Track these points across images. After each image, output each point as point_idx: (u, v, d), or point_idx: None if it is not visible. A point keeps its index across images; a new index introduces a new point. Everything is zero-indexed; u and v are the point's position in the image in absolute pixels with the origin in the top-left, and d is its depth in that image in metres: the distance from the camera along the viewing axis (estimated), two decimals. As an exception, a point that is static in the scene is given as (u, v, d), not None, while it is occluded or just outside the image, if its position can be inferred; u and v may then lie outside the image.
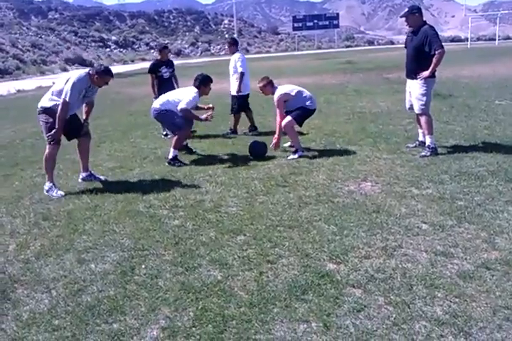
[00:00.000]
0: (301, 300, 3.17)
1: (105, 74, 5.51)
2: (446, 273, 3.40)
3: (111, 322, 3.02)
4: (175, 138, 6.75)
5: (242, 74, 8.48)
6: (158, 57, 9.06)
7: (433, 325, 2.83)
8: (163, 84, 8.77)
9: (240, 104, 8.78)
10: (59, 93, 5.44)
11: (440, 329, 2.79)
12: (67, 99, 5.33)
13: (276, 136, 6.95)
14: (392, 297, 3.12)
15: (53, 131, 5.41)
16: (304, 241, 4.04)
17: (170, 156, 6.73)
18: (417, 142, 6.91)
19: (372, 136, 7.91)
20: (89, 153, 6.08)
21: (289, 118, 6.76)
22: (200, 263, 3.75)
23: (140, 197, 5.36)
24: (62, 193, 5.60)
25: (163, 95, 7.05)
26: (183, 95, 6.69)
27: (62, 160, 6.89)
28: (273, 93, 6.87)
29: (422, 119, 6.59)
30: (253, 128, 9.00)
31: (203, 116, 6.77)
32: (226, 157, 7.14)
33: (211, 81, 6.88)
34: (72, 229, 4.55)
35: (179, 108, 6.53)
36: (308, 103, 6.83)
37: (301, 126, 7.03)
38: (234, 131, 8.91)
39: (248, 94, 8.87)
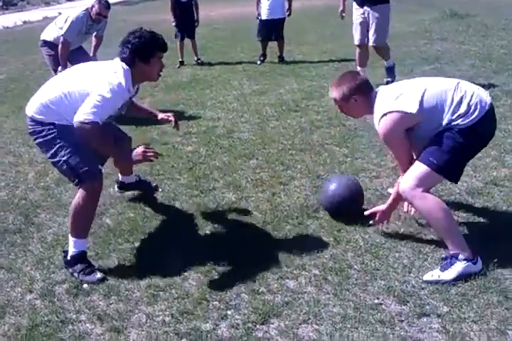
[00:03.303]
0: (312, 218, 3.29)
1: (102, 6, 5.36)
2: (455, 190, 3.47)
3: (132, 241, 3.17)
4: (72, 205, 2.91)
5: None
6: None
7: (440, 238, 2.93)
8: (181, 11, 8.31)
9: (259, 30, 8.17)
10: (60, 28, 5.52)
11: (447, 241, 2.90)
12: (65, 38, 5.43)
13: (385, 207, 3.00)
14: (400, 213, 3.22)
15: (59, 67, 5.51)
16: (315, 163, 4.11)
17: (69, 253, 2.90)
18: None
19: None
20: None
21: (418, 168, 2.66)
22: (214, 186, 3.85)
23: (153, 125, 5.41)
24: None
25: (51, 84, 3.02)
26: (92, 84, 2.74)
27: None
28: (371, 113, 2.81)
29: (381, 51, 6.14)
30: (280, 58, 8.22)
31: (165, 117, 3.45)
32: (237, 83, 7.07)
33: (161, 49, 2.90)
34: (89, 156, 4.65)
35: (75, 121, 2.62)
36: (470, 118, 2.59)
37: (457, 181, 2.82)
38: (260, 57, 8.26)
39: (271, 21, 7.98)
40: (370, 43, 6.06)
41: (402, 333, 2.26)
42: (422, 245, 2.90)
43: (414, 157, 2.78)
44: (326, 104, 5.63)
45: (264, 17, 8.05)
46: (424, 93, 2.63)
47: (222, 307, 2.51)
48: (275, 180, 3.88)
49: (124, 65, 2.80)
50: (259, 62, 8.14)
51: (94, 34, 5.84)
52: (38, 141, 2.89)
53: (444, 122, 2.60)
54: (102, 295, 2.67)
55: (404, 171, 2.72)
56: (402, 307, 2.43)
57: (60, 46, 5.40)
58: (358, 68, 6.12)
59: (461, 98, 2.60)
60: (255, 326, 2.37)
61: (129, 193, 3.81)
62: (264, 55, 8.20)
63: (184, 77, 7.73)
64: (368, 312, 2.40)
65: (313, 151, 4.36)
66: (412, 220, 3.15)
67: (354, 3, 6.06)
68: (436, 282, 2.56)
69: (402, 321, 2.34)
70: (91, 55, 5.96)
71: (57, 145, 2.80)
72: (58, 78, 3.04)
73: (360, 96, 2.79)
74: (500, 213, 3.16)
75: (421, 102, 2.60)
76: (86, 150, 2.76)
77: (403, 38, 9.11)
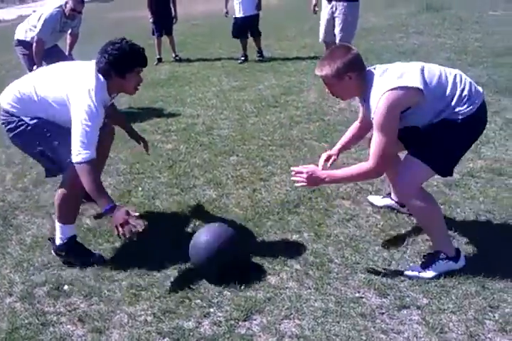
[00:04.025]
0: (293, 213, 3.31)
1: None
2: (433, 182, 3.51)
3: (112, 241, 3.15)
4: (57, 194, 2.90)
5: None
6: None
7: (418, 231, 2.97)
8: (159, 7, 8.24)
9: (234, 28, 8.06)
10: (34, 26, 5.41)
11: (425, 234, 2.93)
12: (39, 36, 5.31)
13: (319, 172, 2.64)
14: (379, 206, 3.25)
15: (34, 66, 5.40)
16: (295, 158, 4.13)
17: (57, 241, 2.93)
18: None
19: (363, 52, 7.76)
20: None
21: (413, 164, 2.53)
22: (195, 183, 3.85)
23: (131, 122, 5.34)
24: None
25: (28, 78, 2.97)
26: (67, 93, 2.69)
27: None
28: (364, 94, 2.55)
29: None
30: (259, 54, 8.10)
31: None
32: (216, 80, 7.05)
33: (140, 64, 2.76)
34: (67, 156, 4.60)
35: (74, 162, 2.60)
36: (467, 107, 2.45)
37: (451, 174, 2.69)
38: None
39: (244, 18, 7.87)
40: (337, 40, 5.91)
41: (383, 326, 2.29)
42: (401, 238, 2.93)
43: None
44: (305, 100, 5.65)
45: (238, 15, 7.92)
46: (423, 72, 2.44)
47: (204, 305, 2.51)
48: (256, 176, 3.88)
49: (99, 76, 2.71)
50: (240, 62, 8.03)
51: (69, 32, 5.75)
52: (10, 133, 2.86)
53: (446, 110, 2.44)
54: (82, 296, 2.65)
55: (377, 156, 2.41)
56: (382, 300, 2.45)
57: (34, 45, 5.31)
58: None
59: (463, 83, 2.48)
60: (238, 323, 2.38)
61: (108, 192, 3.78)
62: (245, 54, 8.08)
63: (162, 74, 7.69)
64: (349, 305, 2.42)
65: (293, 147, 4.37)
66: (391, 213, 3.18)
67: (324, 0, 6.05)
68: (416, 278, 2.56)
69: (383, 314, 2.36)
70: (66, 53, 5.88)
71: (34, 137, 2.80)
72: (34, 76, 2.95)
73: (354, 73, 2.46)
74: (476, 204, 3.20)
75: (423, 79, 2.40)
76: (65, 140, 2.67)
77: (380, 32, 9.18)
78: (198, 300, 2.55)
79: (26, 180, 4.17)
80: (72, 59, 5.90)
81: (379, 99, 2.37)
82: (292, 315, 2.39)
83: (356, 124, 2.99)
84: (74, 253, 2.92)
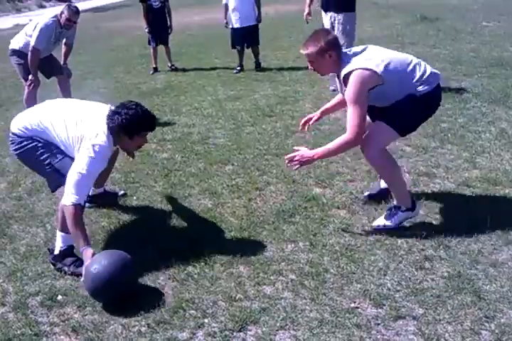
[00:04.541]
0: (288, 222, 3.30)
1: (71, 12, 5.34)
2: (428, 191, 3.52)
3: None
4: (60, 203, 2.88)
5: (225, 5, 8.09)
6: None
7: (414, 240, 2.97)
8: (154, 17, 8.26)
9: (233, 39, 8.10)
10: (29, 36, 5.41)
11: (421, 243, 2.94)
12: (35, 46, 5.31)
13: (311, 153, 2.98)
14: (375, 216, 3.25)
15: (30, 76, 5.43)
16: (290, 168, 4.11)
17: (57, 249, 2.99)
18: None
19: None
20: (70, 92, 5.99)
21: (381, 128, 3.01)
22: (190, 193, 3.84)
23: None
24: None
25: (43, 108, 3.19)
26: (79, 138, 2.88)
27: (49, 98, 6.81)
28: (339, 70, 2.98)
29: None
30: (257, 65, 8.14)
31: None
32: (211, 89, 7.06)
33: (149, 128, 2.99)
34: (62, 165, 4.59)
35: (65, 199, 2.77)
36: (426, 86, 2.95)
37: (404, 135, 3.18)
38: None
39: (242, 28, 7.89)
40: None
41: (378, 336, 2.27)
42: (396, 248, 2.92)
43: (368, 119, 3.03)
44: (300, 109, 5.66)
45: (236, 25, 7.93)
46: (391, 59, 2.92)
47: (199, 315, 2.50)
48: (251, 185, 3.88)
49: (109, 133, 2.88)
50: (235, 72, 8.04)
51: (63, 41, 5.76)
52: (16, 151, 3.07)
53: (408, 88, 2.92)
54: (76, 306, 2.63)
55: (353, 128, 2.84)
56: (378, 310, 2.44)
57: (29, 55, 5.31)
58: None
59: (423, 68, 2.98)
60: (232, 333, 2.36)
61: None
62: (241, 65, 8.09)
63: (158, 83, 7.70)
64: (345, 316, 2.41)
65: (289, 156, 4.37)
66: (386, 223, 3.18)
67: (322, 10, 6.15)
68: (384, 227, 3.07)
69: (379, 324, 2.35)
70: (62, 63, 5.89)
71: (39, 153, 2.99)
72: (51, 108, 3.12)
73: (334, 52, 2.91)
74: (472, 213, 3.20)
75: (388, 65, 2.86)
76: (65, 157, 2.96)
77: (376, 42, 9.09)
78: (193, 311, 2.53)
79: (21, 189, 4.15)
80: (67, 68, 5.91)
81: (350, 76, 2.85)
82: (287, 326, 2.38)
83: (340, 95, 3.33)
84: (71, 262, 2.93)
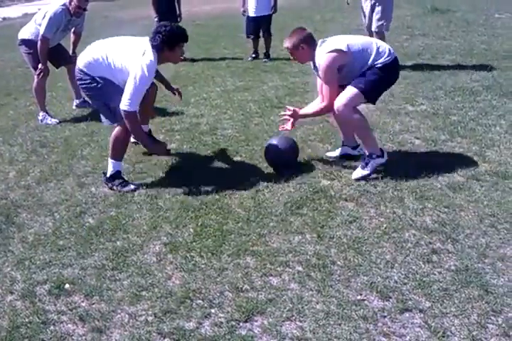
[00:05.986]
0: (296, 214, 3.29)
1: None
2: (437, 185, 3.50)
3: (114, 240, 3.15)
4: (112, 136, 3.82)
5: None
6: None
7: (422, 233, 2.96)
8: (163, 7, 8.24)
9: (247, 27, 8.12)
10: (39, 25, 5.40)
11: (429, 236, 2.93)
12: (44, 35, 5.30)
13: (301, 111, 3.96)
14: (383, 208, 3.24)
15: (39, 65, 5.44)
16: (299, 159, 4.11)
17: (108, 173, 3.83)
18: None
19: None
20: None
21: (350, 91, 3.59)
22: (197, 183, 3.83)
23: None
24: (57, 120, 5.62)
25: (97, 45, 3.87)
26: (129, 63, 3.60)
27: (55, 88, 6.82)
28: (313, 58, 3.71)
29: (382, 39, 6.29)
30: (266, 55, 8.12)
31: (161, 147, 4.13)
32: (220, 80, 7.04)
33: (185, 40, 3.75)
34: (70, 154, 4.60)
35: (122, 105, 3.54)
36: (384, 59, 3.59)
37: (374, 102, 3.81)
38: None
39: (258, 17, 7.92)
40: (373, 29, 6.75)
41: (384, 329, 2.27)
42: (404, 241, 2.91)
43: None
44: (309, 101, 5.57)
45: (251, 14, 7.96)
46: (352, 40, 3.63)
47: (205, 305, 2.50)
48: (259, 176, 3.87)
49: (154, 52, 3.58)
50: (250, 59, 8.09)
51: (72, 30, 5.75)
52: (83, 86, 3.85)
53: (369, 62, 3.57)
54: (83, 295, 2.65)
55: (329, 99, 3.62)
56: (384, 302, 2.44)
57: (39, 43, 5.30)
58: None
59: (380, 45, 3.64)
60: (239, 324, 2.37)
61: (111, 192, 3.78)
62: (256, 52, 8.15)
63: (166, 73, 7.66)
64: (351, 308, 2.41)
65: (297, 148, 4.35)
66: (393, 215, 3.17)
67: None
68: (362, 177, 3.64)
69: (385, 317, 2.35)
70: (70, 52, 5.88)
71: (101, 92, 3.74)
72: (105, 46, 3.78)
73: (306, 45, 3.65)
74: (481, 208, 3.18)
75: (350, 45, 3.56)
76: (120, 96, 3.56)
77: (385, 34, 9.12)
78: (199, 301, 2.54)
79: (29, 178, 4.17)
80: (76, 58, 5.90)
81: (320, 59, 3.58)
82: (293, 317, 2.38)
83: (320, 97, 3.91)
84: (119, 182, 3.77)
